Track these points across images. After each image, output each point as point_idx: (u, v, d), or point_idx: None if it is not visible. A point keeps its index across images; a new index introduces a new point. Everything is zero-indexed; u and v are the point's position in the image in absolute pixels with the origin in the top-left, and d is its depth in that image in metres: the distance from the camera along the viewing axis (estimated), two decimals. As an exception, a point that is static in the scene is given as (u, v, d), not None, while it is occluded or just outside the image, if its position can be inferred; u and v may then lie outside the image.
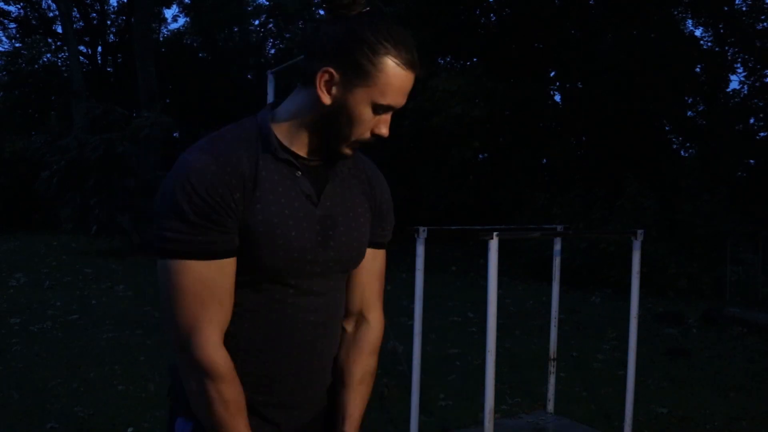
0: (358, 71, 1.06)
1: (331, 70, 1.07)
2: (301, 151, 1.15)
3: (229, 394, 1.09)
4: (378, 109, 1.10)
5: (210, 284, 1.07)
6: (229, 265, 1.09)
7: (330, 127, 1.11)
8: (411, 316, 3.63)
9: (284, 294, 1.15)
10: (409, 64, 1.08)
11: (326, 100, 1.08)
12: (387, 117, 1.13)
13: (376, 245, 1.29)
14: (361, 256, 1.25)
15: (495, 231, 2.64)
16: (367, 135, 1.13)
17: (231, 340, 1.13)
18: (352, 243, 1.20)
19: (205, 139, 1.12)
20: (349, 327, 1.30)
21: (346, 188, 1.21)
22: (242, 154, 1.09)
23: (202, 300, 1.07)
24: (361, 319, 1.30)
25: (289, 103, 1.16)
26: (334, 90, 1.08)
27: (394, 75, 1.07)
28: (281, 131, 1.14)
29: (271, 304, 1.15)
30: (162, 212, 1.07)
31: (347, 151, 1.15)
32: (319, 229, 1.15)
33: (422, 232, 3.16)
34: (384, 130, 1.13)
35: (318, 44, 1.09)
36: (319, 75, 1.08)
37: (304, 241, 1.12)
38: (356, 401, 1.26)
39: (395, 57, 1.06)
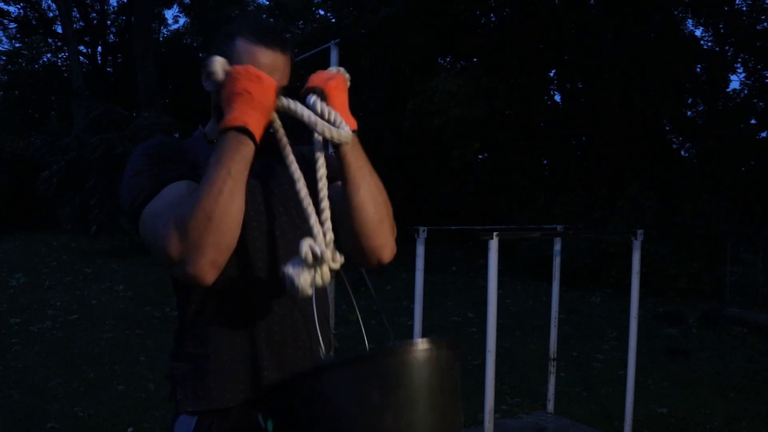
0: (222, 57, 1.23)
1: None
2: None
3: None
4: None
5: (169, 194, 1.13)
6: (186, 184, 1.15)
7: (219, 111, 1.24)
8: (411, 316, 3.63)
9: (244, 265, 1.20)
10: (258, 40, 1.22)
11: (208, 87, 1.28)
12: None
13: None
14: None
15: (495, 231, 2.64)
16: None
17: (210, 318, 1.18)
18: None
19: None
20: None
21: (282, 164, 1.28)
22: (182, 144, 1.31)
23: (167, 206, 1.10)
24: None
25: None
26: None
27: (244, 50, 1.22)
28: (210, 132, 1.33)
29: (236, 275, 1.18)
30: (124, 182, 1.19)
31: None
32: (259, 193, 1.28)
33: (422, 232, 3.16)
34: None
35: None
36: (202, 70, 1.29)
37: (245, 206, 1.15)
38: None
39: (244, 37, 1.23)
